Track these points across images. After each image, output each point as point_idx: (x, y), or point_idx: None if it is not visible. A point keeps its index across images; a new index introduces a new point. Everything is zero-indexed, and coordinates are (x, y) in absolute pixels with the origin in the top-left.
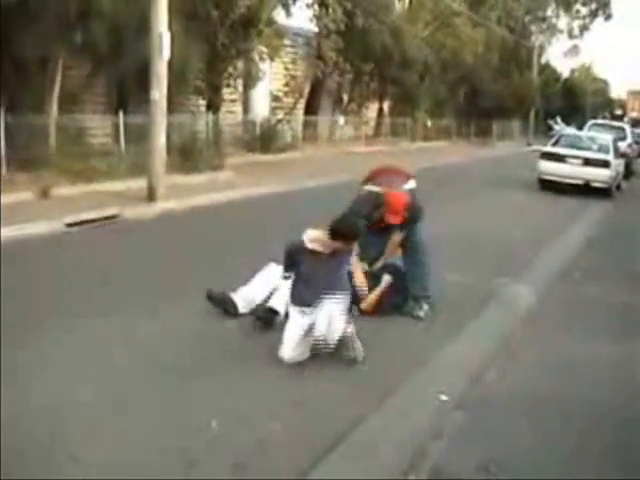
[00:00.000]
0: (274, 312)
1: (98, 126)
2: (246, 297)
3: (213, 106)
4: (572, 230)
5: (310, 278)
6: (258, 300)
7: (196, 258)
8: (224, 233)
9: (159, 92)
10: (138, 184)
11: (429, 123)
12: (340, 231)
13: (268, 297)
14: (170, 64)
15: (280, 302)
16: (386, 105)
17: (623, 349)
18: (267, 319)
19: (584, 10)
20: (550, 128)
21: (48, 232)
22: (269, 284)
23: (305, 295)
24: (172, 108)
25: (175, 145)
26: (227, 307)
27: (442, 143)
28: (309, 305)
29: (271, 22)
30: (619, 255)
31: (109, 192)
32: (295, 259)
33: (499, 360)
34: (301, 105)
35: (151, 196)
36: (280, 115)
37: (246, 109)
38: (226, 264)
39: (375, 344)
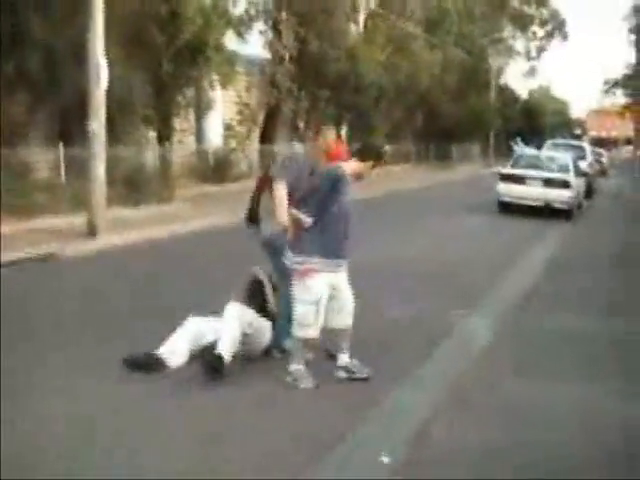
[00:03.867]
0: (221, 359)
1: (40, 160)
2: (172, 350)
3: (163, 136)
4: (532, 254)
5: (341, 224)
6: (184, 351)
7: (129, 298)
8: (163, 269)
9: (97, 123)
10: (79, 219)
11: (387, 147)
12: (367, 151)
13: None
14: (111, 93)
15: (227, 347)
16: (343, 131)
17: (583, 390)
18: (215, 365)
19: (540, 32)
20: (511, 149)
21: None
22: (195, 332)
23: (339, 245)
24: (116, 139)
25: (120, 177)
26: (152, 366)
27: (401, 167)
28: (343, 258)
29: (220, 48)
30: (581, 279)
31: (49, 228)
32: (337, 189)
33: (448, 408)
34: (256, 134)
35: (91, 231)
36: (234, 144)
37: (199, 139)
38: (160, 304)
39: (308, 390)
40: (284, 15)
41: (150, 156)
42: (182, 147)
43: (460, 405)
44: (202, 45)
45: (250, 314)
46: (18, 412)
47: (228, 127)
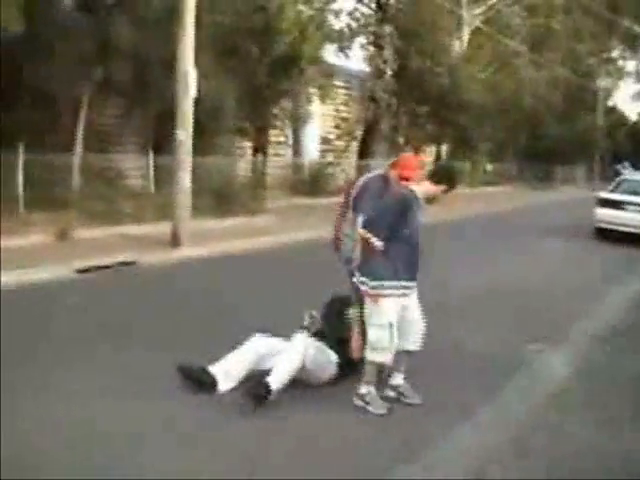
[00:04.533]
0: (268, 389)
1: (132, 167)
2: (227, 371)
3: (258, 148)
4: (623, 286)
5: (411, 246)
6: (238, 374)
7: (201, 311)
8: (244, 283)
9: (184, 132)
10: (164, 228)
11: (489, 167)
12: (440, 174)
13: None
14: (203, 103)
15: (279, 379)
16: (444, 149)
17: None
18: (260, 394)
19: None
20: (617, 173)
21: (55, 278)
22: (253, 356)
23: (410, 267)
24: (207, 149)
25: (208, 188)
26: (204, 384)
27: (503, 188)
28: (413, 280)
29: (315, 61)
30: None
31: (132, 236)
32: (407, 214)
33: (507, 454)
34: (354, 148)
35: (175, 241)
36: (330, 158)
37: (296, 151)
38: (235, 318)
39: (362, 426)
40: (386, 29)
41: (242, 167)
42: (277, 159)
43: (521, 452)
44: (297, 57)
45: (316, 348)
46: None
47: (325, 140)
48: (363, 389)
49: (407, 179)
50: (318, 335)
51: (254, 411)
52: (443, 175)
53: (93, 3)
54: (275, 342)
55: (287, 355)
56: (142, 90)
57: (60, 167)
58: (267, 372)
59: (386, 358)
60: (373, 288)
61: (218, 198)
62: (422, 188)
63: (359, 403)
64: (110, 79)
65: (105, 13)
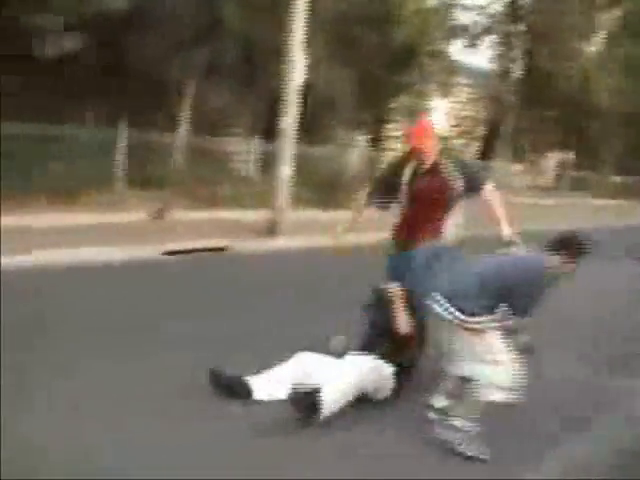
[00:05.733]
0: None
1: (238, 151)
2: (268, 381)
3: (374, 141)
4: None
5: None
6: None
7: (284, 305)
8: (330, 277)
9: (288, 120)
10: (264, 216)
11: (617, 179)
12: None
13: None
14: (315, 92)
15: (330, 400)
16: (569, 155)
17: None
18: (310, 405)
19: None
20: None
21: (141, 258)
22: (299, 373)
23: None
24: (318, 139)
25: (315, 178)
26: (237, 389)
27: (632, 202)
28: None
29: (437, 55)
30: None
31: (230, 221)
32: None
33: None
34: (474, 148)
35: (271, 230)
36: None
37: None
38: (315, 317)
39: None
40: (517, 28)
41: (354, 160)
42: (393, 154)
43: None
44: (416, 50)
45: (369, 368)
46: None
47: (444, 139)
48: (458, 422)
49: (418, 150)
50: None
51: (302, 426)
52: (566, 245)
53: None
54: (325, 360)
55: (343, 379)
56: (250, 74)
57: (163, 147)
58: (316, 390)
59: (499, 396)
60: (478, 321)
61: (324, 189)
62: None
63: (455, 439)
64: (218, 62)
65: None
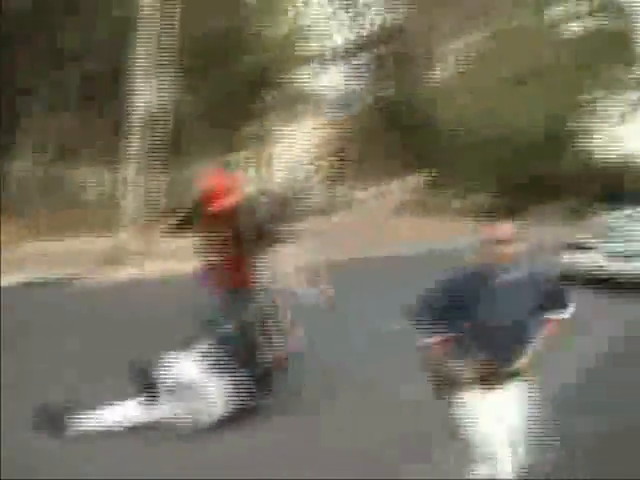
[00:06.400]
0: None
1: (87, 178)
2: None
3: (227, 167)
4: None
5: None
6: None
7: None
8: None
9: (137, 146)
10: (112, 243)
11: (460, 201)
12: None
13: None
14: (161, 119)
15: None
16: (417, 179)
17: None
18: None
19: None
20: None
21: None
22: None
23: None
24: (173, 167)
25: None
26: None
27: (475, 222)
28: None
29: (284, 84)
30: None
31: (78, 250)
32: None
33: None
34: (325, 173)
35: (118, 258)
36: (300, 182)
37: (266, 173)
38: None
39: None
40: (366, 56)
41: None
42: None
43: None
44: (266, 77)
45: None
46: None
47: (295, 164)
48: None
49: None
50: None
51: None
52: None
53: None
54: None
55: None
56: (97, 101)
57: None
58: None
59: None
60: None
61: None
62: None
63: None
64: (61, 89)
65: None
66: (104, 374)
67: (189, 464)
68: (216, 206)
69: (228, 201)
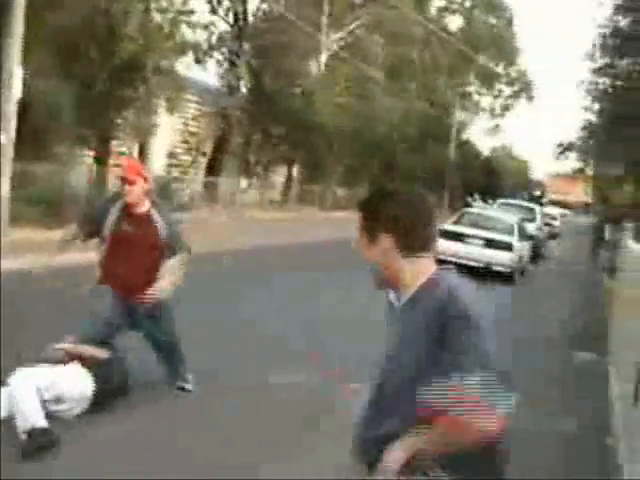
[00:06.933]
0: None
1: None
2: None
3: (100, 158)
4: None
5: None
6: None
7: None
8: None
9: (6, 135)
10: None
11: (339, 192)
12: None
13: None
14: (34, 107)
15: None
16: (295, 170)
17: None
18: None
19: (507, 90)
20: (468, 205)
21: None
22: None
23: None
24: (39, 156)
25: (36, 197)
26: None
27: (353, 213)
28: None
29: (161, 71)
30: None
31: None
32: None
33: None
34: (202, 164)
35: None
36: (176, 173)
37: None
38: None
39: None
40: (241, 46)
41: (78, 176)
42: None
43: None
44: (140, 66)
45: (46, 376)
46: None
47: (172, 155)
48: None
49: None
50: None
51: None
52: None
53: None
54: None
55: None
56: None
57: None
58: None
59: None
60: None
61: (47, 208)
62: None
63: None
64: None
65: None
66: None
67: None
68: (130, 175)
69: (138, 179)
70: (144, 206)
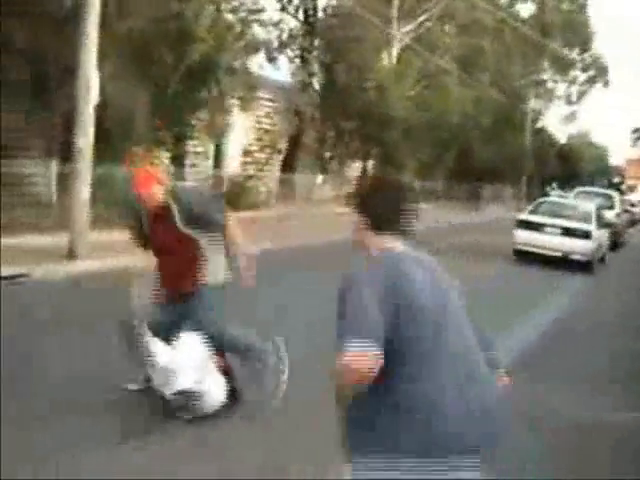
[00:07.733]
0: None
1: (34, 174)
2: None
3: (176, 159)
4: (537, 315)
5: None
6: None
7: (72, 334)
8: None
9: (85, 139)
10: (63, 240)
11: (415, 185)
12: None
13: None
14: (110, 110)
15: None
16: (369, 165)
17: None
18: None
19: (582, 76)
20: (545, 194)
21: None
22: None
23: None
24: (116, 158)
25: (114, 199)
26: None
27: (426, 206)
28: None
29: (234, 71)
30: (588, 352)
31: (30, 247)
32: None
33: None
34: (277, 162)
35: (71, 254)
36: (252, 171)
37: (218, 164)
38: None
39: None
40: (313, 43)
41: None
42: (196, 171)
43: None
44: (213, 66)
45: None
46: None
47: (247, 153)
48: None
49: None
50: None
51: None
52: None
53: None
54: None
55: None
56: (43, 93)
57: None
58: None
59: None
60: None
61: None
62: None
63: None
64: (5, 80)
65: None
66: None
67: None
68: (146, 190)
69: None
70: (164, 203)
